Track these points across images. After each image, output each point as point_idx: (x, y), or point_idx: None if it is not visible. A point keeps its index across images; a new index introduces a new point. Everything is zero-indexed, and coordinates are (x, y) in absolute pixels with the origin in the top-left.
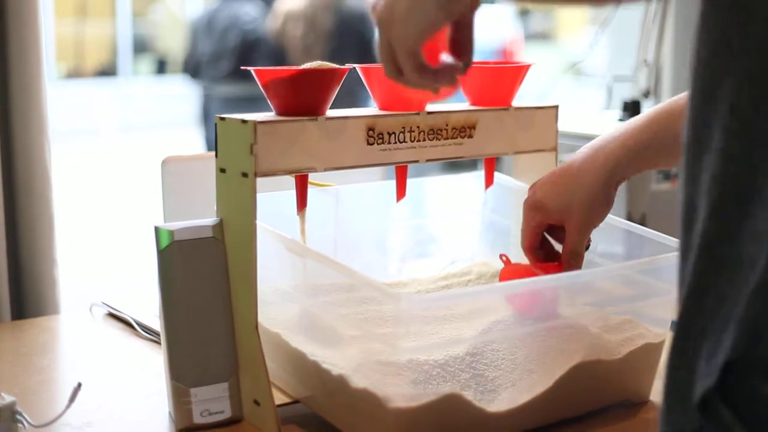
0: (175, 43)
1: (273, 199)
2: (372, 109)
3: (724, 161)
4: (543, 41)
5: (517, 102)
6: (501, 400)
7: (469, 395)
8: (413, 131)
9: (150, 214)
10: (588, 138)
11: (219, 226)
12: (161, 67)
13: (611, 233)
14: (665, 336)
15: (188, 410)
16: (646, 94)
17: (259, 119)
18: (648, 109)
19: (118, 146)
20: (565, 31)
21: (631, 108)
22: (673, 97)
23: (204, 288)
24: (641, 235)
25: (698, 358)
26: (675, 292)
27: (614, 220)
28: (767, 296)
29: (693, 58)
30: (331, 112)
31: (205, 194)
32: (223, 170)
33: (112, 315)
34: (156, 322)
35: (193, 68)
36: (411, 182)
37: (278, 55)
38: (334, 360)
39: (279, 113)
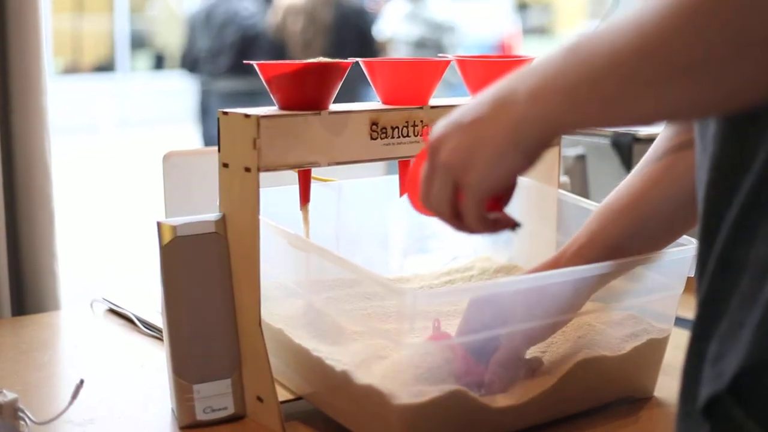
0: (172, 38)
1: (275, 194)
2: (375, 104)
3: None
4: (541, 35)
5: None
6: (505, 396)
7: (473, 391)
8: (417, 126)
9: (150, 210)
10: (590, 133)
11: (222, 222)
12: (159, 63)
13: None
14: (669, 332)
15: (191, 407)
16: None
17: (262, 113)
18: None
19: (116, 142)
20: (563, 26)
21: None
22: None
23: (206, 284)
24: None
25: (704, 361)
26: (678, 287)
27: None
28: None
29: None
30: (334, 107)
31: (207, 189)
32: (225, 165)
33: (112, 311)
34: (157, 318)
35: (190, 63)
36: None
37: (277, 50)
38: (338, 356)
39: (282, 107)
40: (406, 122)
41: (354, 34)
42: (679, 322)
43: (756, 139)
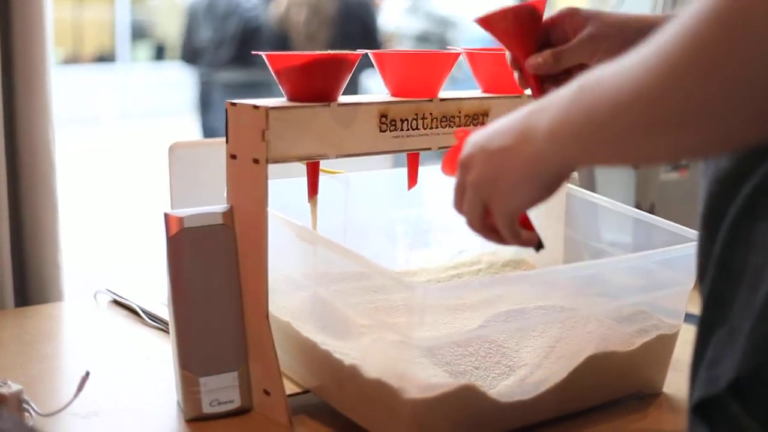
0: (173, 29)
1: (283, 185)
2: (384, 96)
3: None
4: None
5: (529, 90)
6: (515, 391)
7: (483, 386)
8: (426, 118)
9: (153, 201)
10: None
11: (229, 213)
12: (159, 53)
13: (621, 222)
14: (679, 327)
15: (197, 400)
16: None
17: (271, 105)
18: None
19: (117, 133)
20: None
21: None
22: None
23: (214, 276)
24: (651, 224)
25: (699, 366)
26: (688, 283)
27: (624, 209)
28: None
29: None
30: (343, 98)
31: (213, 180)
32: (233, 156)
33: (116, 302)
34: (161, 310)
35: (189, 54)
36: (421, 170)
37: (279, 42)
38: (346, 349)
39: (291, 99)
40: (416, 115)
41: (357, 27)
42: (689, 318)
43: (758, 153)
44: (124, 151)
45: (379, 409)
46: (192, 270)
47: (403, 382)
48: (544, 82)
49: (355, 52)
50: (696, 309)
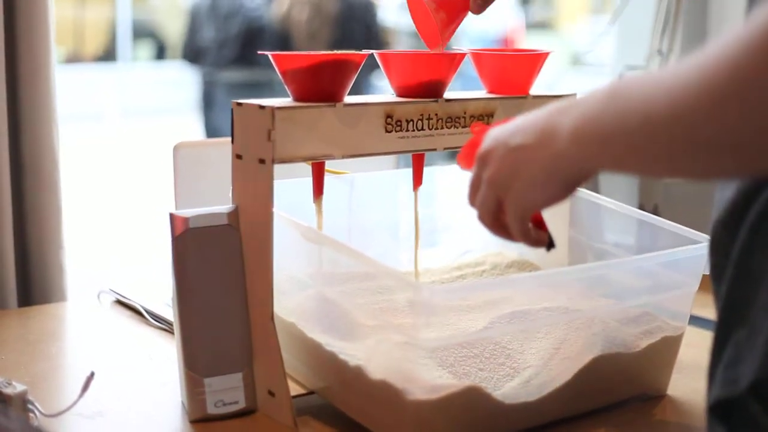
0: (174, 28)
1: (288, 186)
2: (390, 96)
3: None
4: (544, 30)
5: (534, 90)
6: (519, 393)
7: (488, 388)
8: (431, 119)
9: (156, 201)
10: None
11: (235, 213)
12: (161, 53)
13: (625, 223)
14: (683, 329)
15: (202, 400)
16: None
17: (277, 105)
18: None
19: (120, 132)
20: (566, 20)
21: None
22: None
23: (219, 276)
24: (655, 225)
25: (717, 366)
26: (693, 285)
27: (628, 210)
28: None
29: None
30: (348, 99)
31: (218, 180)
32: (239, 156)
33: (120, 302)
34: (165, 310)
35: (192, 54)
36: (425, 170)
37: (282, 41)
38: (351, 350)
39: (296, 99)
40: (421, 115)
41: (360, 26)
42: (694, 320)
43: None
44: (127, 149)
45: (384, 411)
46: (197, 270)
47: (408, 383)
48: None
49: (361, 52)
50: (700, 311)
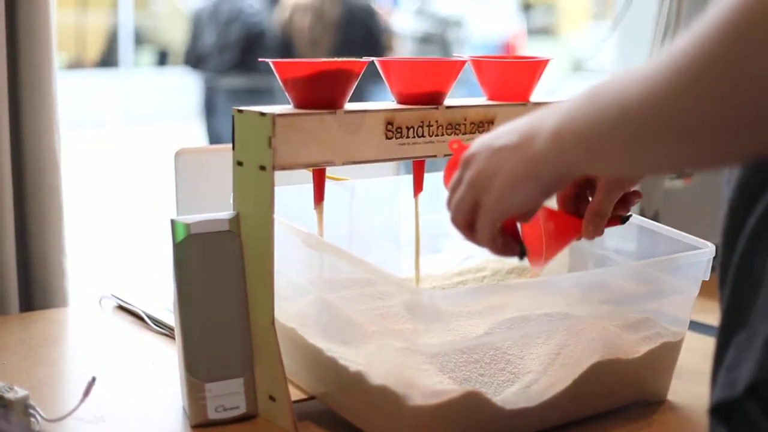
0: (176, 34)
1: (289, 192)
2: (390, 103)
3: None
4: (545, 36)
5: (534, 97)
6: (520, 399)
7: (488, 393)
8: (431, 126)
9: (158, 206)
10: None
11: (236, 220)
12: (162, 59)
13: (625, 229)
14: (683, 335)
15: (203, 405)
16: None
17: (278, 112)
18: None
19: (122, 138)
20: (567, 26)
21: None
22: None
23: (220, 282)
24: (655, 232)
25: (719, 369)
26: (693, 290)
27: None
28: None
29: None
30: (349, 106)
31: (219, 187)
32: (240, 163)
33: (121, 307)
34: (166, 315)
35: (194, 60)
36: (426, 177)
37: (282, 48)
38: (352, 356)
39: (297, 106)
40: (421, 122)
41: (362, 32)
42: (694, 325)
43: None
44: (128, 155)
45: (384, 416)
46: (198, 276)
47: (408, 388)
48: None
49: (361, 59)
50: (700, 317)
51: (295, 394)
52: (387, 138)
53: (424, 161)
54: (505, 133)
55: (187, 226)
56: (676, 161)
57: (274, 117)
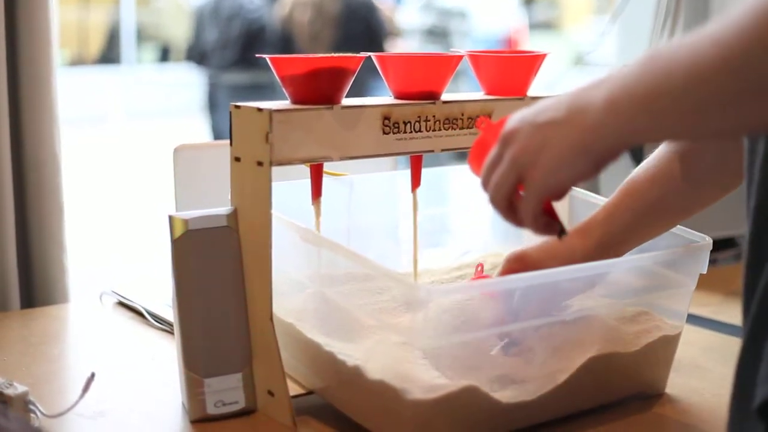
0: (178, 30)
1: (286, 188)
2: (387, 98)
3: None
4: (547, 30)
5: (532, 92)
6: (517, 392)
7: (485, 387)
8: (429, 120)
9: (159, 202)
10: None
11: (233, 216)
12: (164, 55)
13: None
14: (681, 328)
15: (202, 401)
16: None
17: (275, 107)
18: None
19: (123, 134)
20: (569, 21)
21: None
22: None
23: (218, 278)
24: None
25: (760, 361)
26: (691, 284)
27: None
28: None
29: None
30: (346, 101)
31: (218, 183)
32: (237, 159)
33: (121, 303)
34: (167, 311)
35: (197, 56)
36: (424, 172)
37: (283, 44)
38: (350, 351)
39: (294, 102)
40: (419, 117)
41: (362, 27)
42: (692, 319)
43: None
44: (130, 151)
45: (383, 410)
46: (196, 272)
47: (407, 383)
48: None
49: (358, 54)
50: (698, 310)
51: (294, 389)
52: (384, 133)
53: (421, 156)
54: (548, 107)
55: (185, 221)
56: (744, 123)
57: (271, 113)
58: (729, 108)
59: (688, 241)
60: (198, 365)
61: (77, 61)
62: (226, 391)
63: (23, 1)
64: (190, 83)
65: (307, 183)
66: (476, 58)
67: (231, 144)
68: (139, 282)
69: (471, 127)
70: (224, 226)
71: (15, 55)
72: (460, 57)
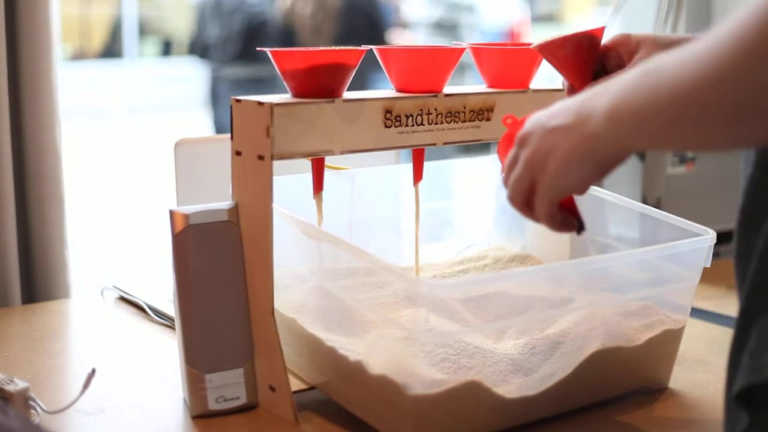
0: (180, 24)
1: (288, 182)
2: (389, 91)
3: None
4: (550, 23)
5: (534, 84)
6: (520, 387)
7: (488, 382)
8: (431, 114)
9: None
10: None
11: (234, 210)
12: (166, 49)
13: (627, 216)
14: (685, 322)
15: (203, 396)
16: None
17: (276, 101)
18: None
19: (126, 128)
20: (572, 13)
21: None
22: None
23: (219, 272)
24: (657, 219)
25: (740, 353)
26: (695, 278)
27: (630, 203)
28: None
29: None
30: (347, 95)
31: (219, 177)
32: (238, 153)
33: (123, 299)
34: (168, 306)
35: (201, 49)
36: (427, 165)
37: (285, 37)
38: (351, 346)
39: (295, 95)
40: (420, 110)
41: (363, 21)
42: (695, 312)
43: None
44: (132, 146)
45: (384, 406)
46: (197, 267)
47: (408, 378)
48: None
49: (359, 48)
50: (702, 304)
51: (295, 384)
52: (386, 126)
53: (423, 149)
54: (559, 112)
55: (186, 216)
56: (729, 139)
57: (272, 106)
58: (711, 127)
59: (693, 235)
60: (199, 361)
61: (79, 55)
62: (228, 387)
63: None
64: (192, 77)
65: (308, 177)
66: (478, 51)
67: (232, 138)
68: (141, 277)
69: (473, 120)
70: (225, 220)
71: (15, 49)
72: (462, 50)
